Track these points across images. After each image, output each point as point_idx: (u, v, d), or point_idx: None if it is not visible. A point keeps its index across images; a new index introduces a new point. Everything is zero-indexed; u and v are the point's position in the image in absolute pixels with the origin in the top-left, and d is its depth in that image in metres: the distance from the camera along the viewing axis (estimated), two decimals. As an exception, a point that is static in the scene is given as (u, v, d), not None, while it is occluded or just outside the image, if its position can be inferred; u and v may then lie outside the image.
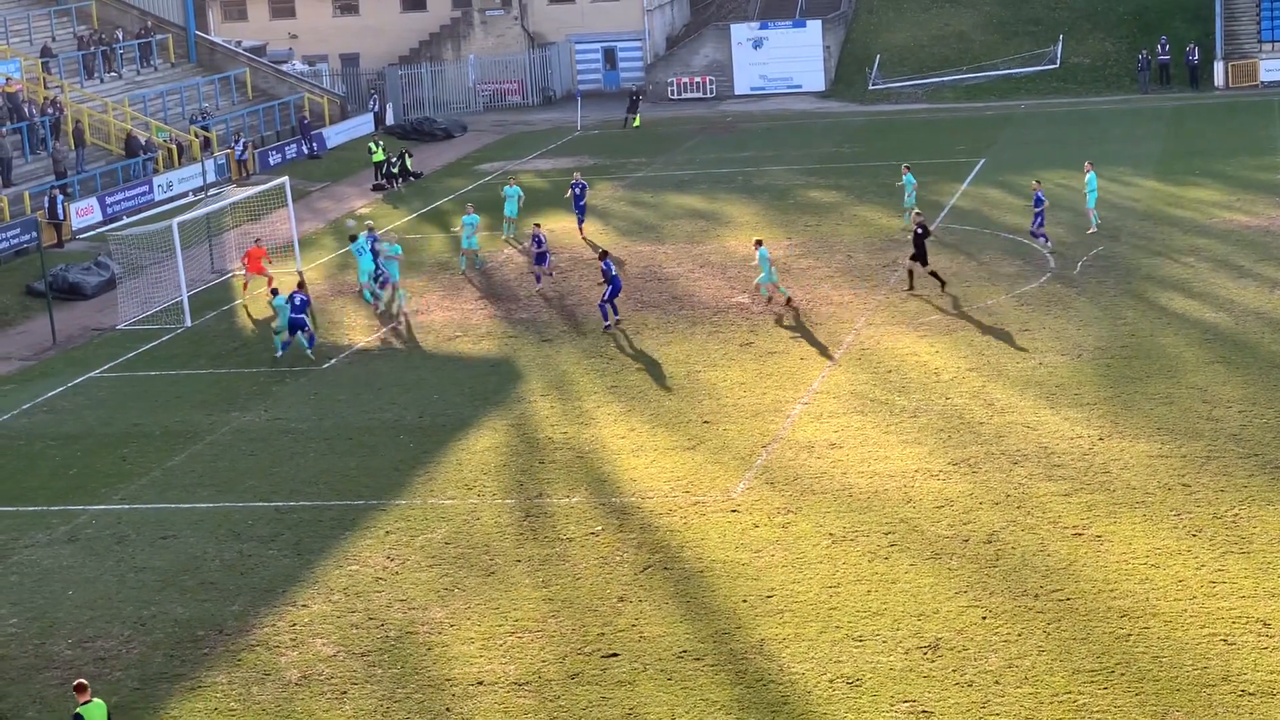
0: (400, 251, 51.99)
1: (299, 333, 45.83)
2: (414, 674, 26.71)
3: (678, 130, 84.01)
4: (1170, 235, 53.21)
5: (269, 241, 59.22)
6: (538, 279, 52.48)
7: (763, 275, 47.23)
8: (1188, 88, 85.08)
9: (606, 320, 46.81)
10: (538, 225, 53.56)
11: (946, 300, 46.94)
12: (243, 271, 54.41)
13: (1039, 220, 51.93)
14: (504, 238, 59.28)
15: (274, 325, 47.39)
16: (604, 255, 47.65)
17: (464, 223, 55.47)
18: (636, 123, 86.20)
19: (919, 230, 47.90)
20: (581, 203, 59.37)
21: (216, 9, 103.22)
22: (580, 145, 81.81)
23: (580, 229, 59.36)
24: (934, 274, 48.23)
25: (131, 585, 31.26)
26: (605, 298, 46.99)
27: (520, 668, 26.58)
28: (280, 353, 46.11)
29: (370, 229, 53.30)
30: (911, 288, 48.33)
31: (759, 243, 48.00)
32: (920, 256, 47.98)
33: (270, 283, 50.42)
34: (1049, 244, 52.12)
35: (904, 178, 57.14)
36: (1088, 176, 54.70)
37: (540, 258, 52.30)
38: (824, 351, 43.06)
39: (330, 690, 26.37)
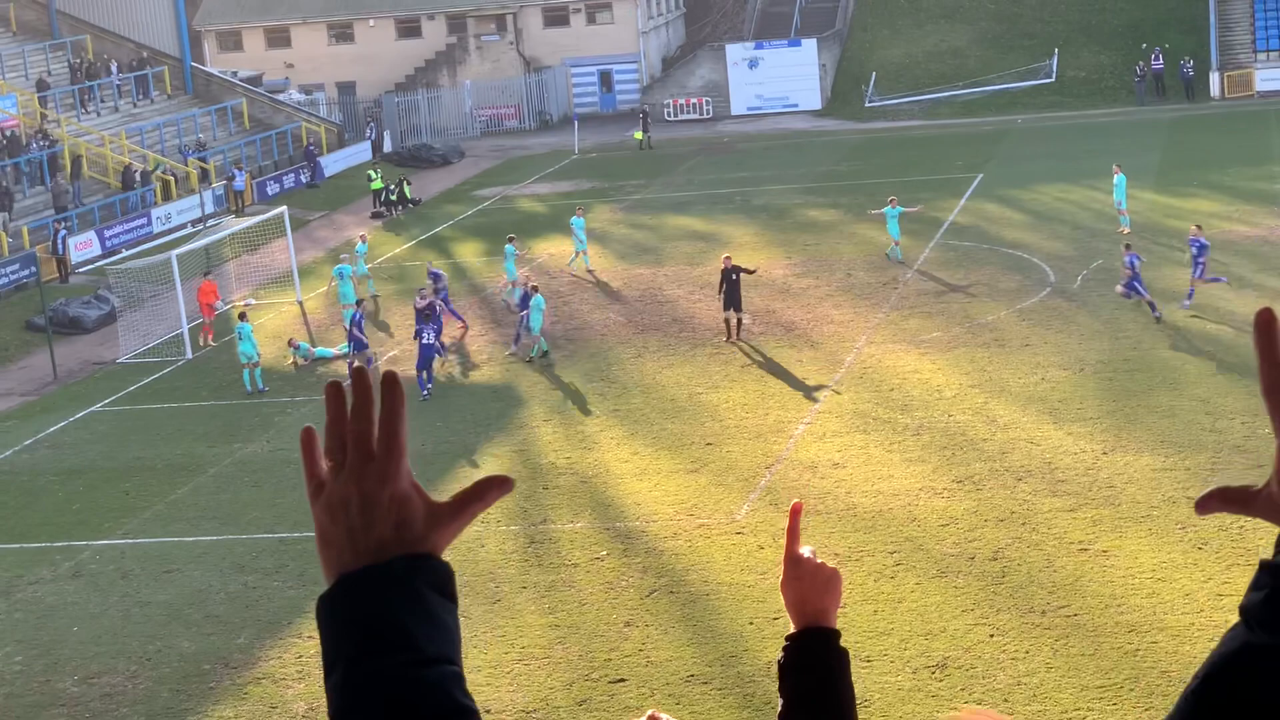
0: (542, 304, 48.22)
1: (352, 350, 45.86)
2: (421, 704, 26.61)
3: (675, 151, 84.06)
4: (1169, 247, 53.18)
5: (269, 271, 59.23)
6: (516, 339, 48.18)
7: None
8: (1184, 100, 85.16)
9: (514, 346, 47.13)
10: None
11: (948, 317, 46.89)
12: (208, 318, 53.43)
13: (1199, 270, 45.88)
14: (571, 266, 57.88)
15: (242, 356, 46.60)
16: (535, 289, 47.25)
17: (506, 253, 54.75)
18: (639, 135, 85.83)
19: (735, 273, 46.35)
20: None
21: (212, 40, 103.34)
22: (578, 169, 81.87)
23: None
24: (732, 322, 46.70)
25: (136, 620, 31.20)
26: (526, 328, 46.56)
27: (528, 695, 26.51)
28: (261, 388, 45.87)
29: (511, 240, 54.35)
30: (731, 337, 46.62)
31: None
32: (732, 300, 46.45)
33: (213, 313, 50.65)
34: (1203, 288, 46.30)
35: (886, 209, 55.56)
36: (1116, 178, 54.98)
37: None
38: (825, 371, 43.04)
39: (337, 722, 26.27)
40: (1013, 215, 60.34)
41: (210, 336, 52.01)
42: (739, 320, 46.47)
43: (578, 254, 57.30)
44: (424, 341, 44.13)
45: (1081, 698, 24.66)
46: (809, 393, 41.29)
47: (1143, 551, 29.74)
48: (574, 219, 57.47)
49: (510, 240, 55.29)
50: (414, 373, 43.62)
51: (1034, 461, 34.87)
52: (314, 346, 49.68)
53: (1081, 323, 45.26)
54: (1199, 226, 47.12)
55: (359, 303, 48.92)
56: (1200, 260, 45.68)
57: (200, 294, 53.04)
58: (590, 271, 56.70)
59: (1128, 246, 47.60)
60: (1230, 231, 54.62)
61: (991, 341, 44.15)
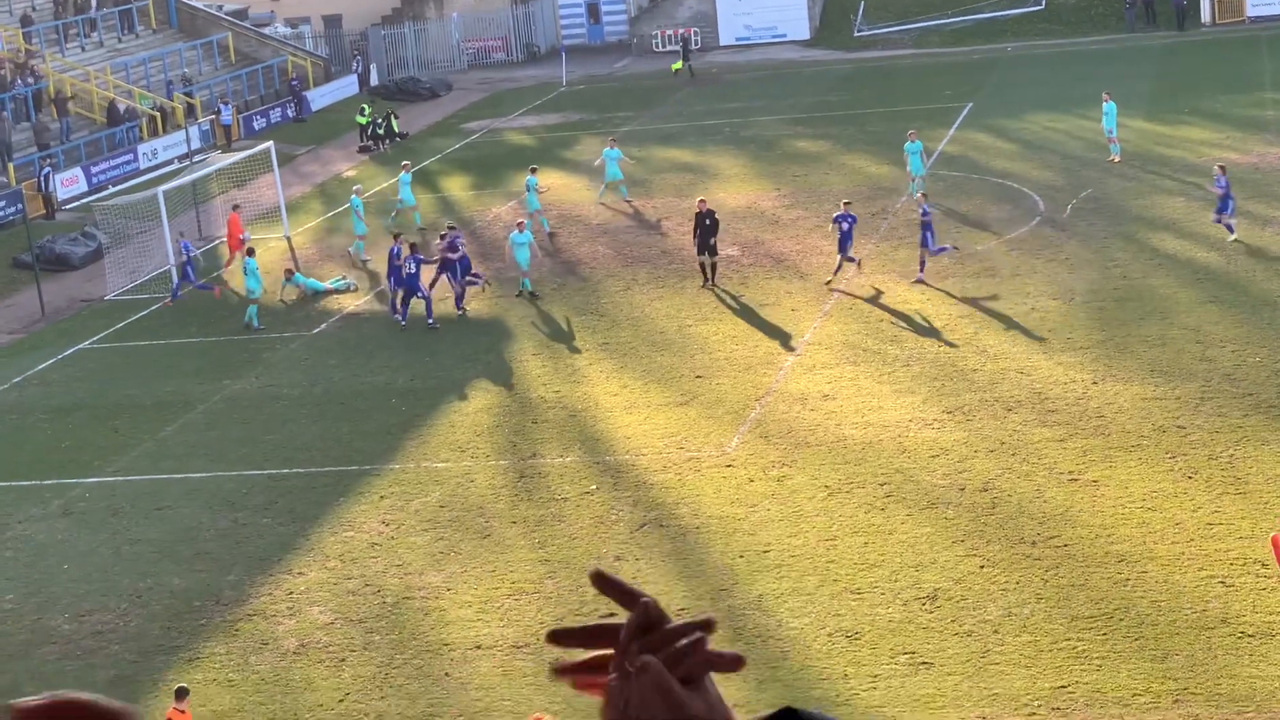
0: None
1: (411, 296, 44.71)
2: (412, 639, 26.67)
3: (664, 84, 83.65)
4: (1160, 175, 53.05)
5: (256, 206, 58.98)
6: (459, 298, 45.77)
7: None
8: (1175, 27, 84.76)
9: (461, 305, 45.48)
10: (452, 227, 48.33)
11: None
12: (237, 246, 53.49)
13: (1227, 207, 45.16)
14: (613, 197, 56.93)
15: (248, 291, 46.65)
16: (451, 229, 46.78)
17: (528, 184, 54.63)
18: (677, 66, 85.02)
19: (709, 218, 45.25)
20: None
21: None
22: (566, 101, 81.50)
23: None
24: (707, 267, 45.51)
25: (127, 557, 31.19)
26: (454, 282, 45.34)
27: (518, 630, 26.54)
28: (257, 325, 45.73)
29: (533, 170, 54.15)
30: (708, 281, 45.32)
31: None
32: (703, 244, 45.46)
33: (242, 245, 50.31)
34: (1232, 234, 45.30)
35: (908, 145, 54.20)
36: (1106, 106, 54.82)
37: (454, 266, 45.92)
38: (815, 302, 42.93)
39: (328, 658, 26.33)
40: (1002, 145, 60.13)
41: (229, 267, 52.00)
42: (713, 264, 45.46)
43: (608, 185, 56.41)
44: (407, 272, 44.01)
45: (1072, 628, 24.70)
46: (798, 325, 41.20)
47: (1133, 481, 29.75)
48: (607, 150, 56.85)
49: (533, 171, 55.33)
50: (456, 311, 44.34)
51: (1024, 392, 34.84)
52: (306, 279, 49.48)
53: (1071, 252, 45.15)
54: (1223, 167, 46.34)
55: (397, 236, 47.46)
56: (1230, 198, 44.77)
57: (230, 226, 52.93)
58: (628, 201, 55.95)
59: (1222, 169, 46.14)
60: (1222, 159, 54.43)
61: (981, 271, 44.04)
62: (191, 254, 50.58)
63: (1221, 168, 46.29)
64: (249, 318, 45.97)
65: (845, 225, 43.99)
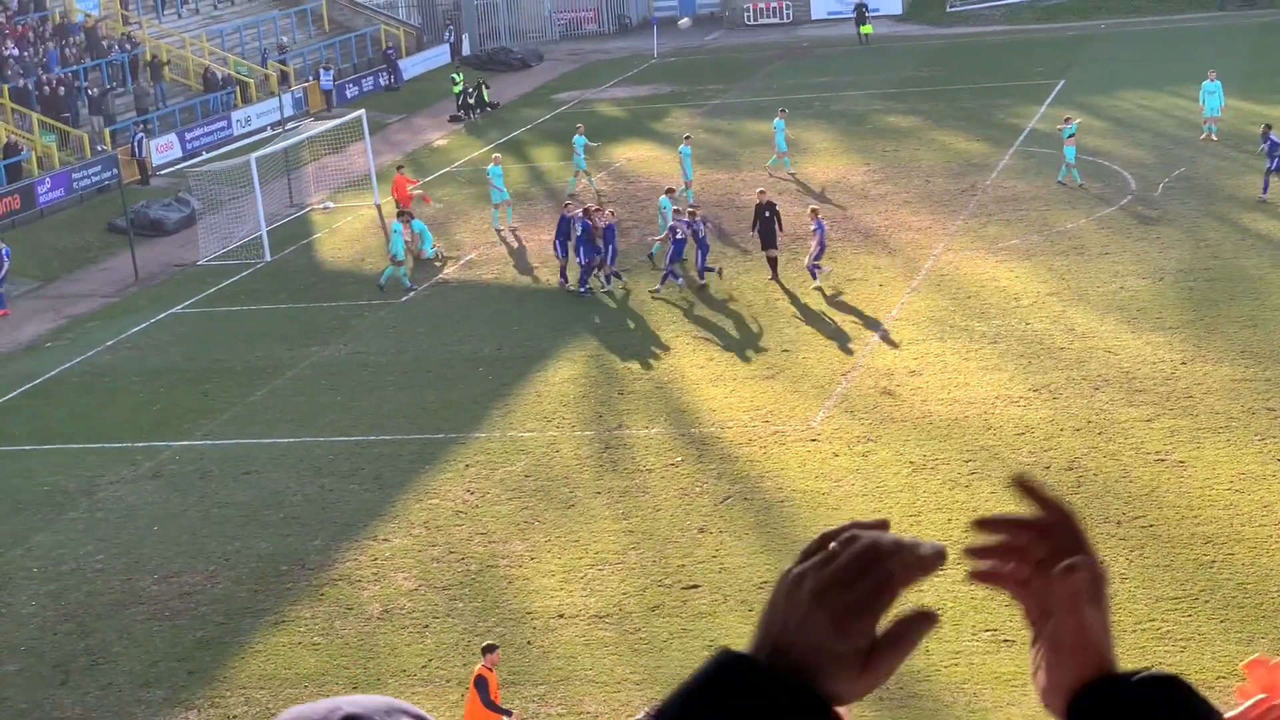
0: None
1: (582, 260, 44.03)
2: (495, 607, 26.85)
3: (755, 56, 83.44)
4: (1253, 155, 52.48)
5: (348, 174, 59.30)
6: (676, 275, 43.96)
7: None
8: (1270, 5, 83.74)
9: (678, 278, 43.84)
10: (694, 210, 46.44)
11: (1027, 225, 46.52)
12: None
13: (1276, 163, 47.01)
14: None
15: (391, 251, 46.50)
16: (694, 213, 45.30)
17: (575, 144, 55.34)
18: (868, 30, 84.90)
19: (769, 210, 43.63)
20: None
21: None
22: (656, 72, 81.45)
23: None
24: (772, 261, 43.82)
25: (215, 520, 31.52)
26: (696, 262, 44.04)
27: (601, 600, 26.66)
28: (402, 285, 45.90)
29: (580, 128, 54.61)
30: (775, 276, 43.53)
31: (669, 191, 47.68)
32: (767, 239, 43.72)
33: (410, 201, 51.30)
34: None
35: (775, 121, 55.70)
36: (1210, 84, 54.52)
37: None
38: (903, 277, 42.81)
39: (412, 624, 26.54)
40: (1094, 122, 59.63)
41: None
42: (775, 258, 43.56)
43: (779, 155, 55.95)
44: (576, 235, 43.75)
45: (1156, 609, 24.60)
46: (886, 299, 41.10)
47: (1220, 462, 29.56)
48: (776, 120, 56.46)
49: (580, 130, 55.93)
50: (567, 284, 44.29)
51: (1111, 370, 34.65)
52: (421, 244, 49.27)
53: (1162, 231, 44.82)
54: (1269, 126, 47.81)
55: (569, 202, 46.88)
56: (1276, 155, 46.64)
57: (395, 189, 53.11)
58: (792, 174, 55.27)
59: (1268, 127, 47.81)
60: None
61: (1070, 249, 43.79)
62: (7, 265, 49.19)
63: (1268, 126, 48.02)
64: (405, 279, 45.87)
65: (815, 228, 43.00)
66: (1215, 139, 53.89)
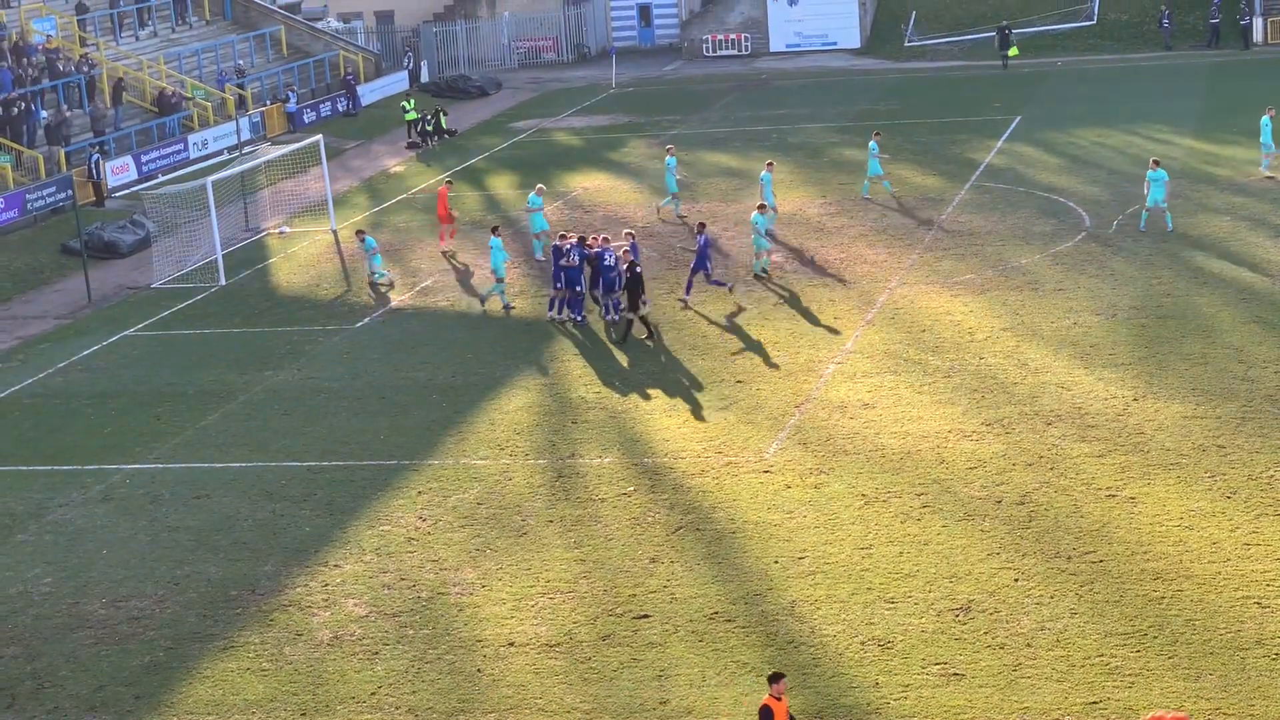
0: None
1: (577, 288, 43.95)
2: (445, 635, 26.76)
3: (712, 88, 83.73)
4: (1207, 194, 52.87)
5: (303, 199, 59.15)
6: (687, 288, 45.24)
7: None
8: (1226, 45, 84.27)
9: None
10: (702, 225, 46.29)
11: (982, 260, 46.71)
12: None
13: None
14: (663, 207, 55.98)
15: (493, 268, 46.01)
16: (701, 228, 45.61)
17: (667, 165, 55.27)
18: (1014, 53, 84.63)
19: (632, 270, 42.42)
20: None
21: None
22: (614, 102, 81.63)
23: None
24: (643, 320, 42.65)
25: (165, 545, 31.36)
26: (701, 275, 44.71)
27: (552, 629, 26.61)
28: (502, 301, 45.81)
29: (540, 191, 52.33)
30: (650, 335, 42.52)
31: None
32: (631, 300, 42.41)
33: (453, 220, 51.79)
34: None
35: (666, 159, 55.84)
36: (1265, 119, 54.74)
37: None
38: (857, 310, 42.92)
39: (362, 650, 26.45)
40: (1049, 159, 60.02)
41: (450, 239, 52.85)
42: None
43: (671, 196, 55.46)
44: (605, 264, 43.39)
45: (1105, 644, 24.66)
46: (840, 332, 41.19)
47: (1171, 499, 29.68)
48: (668, 159, 56.03)
49: (670, 151, 55.92)
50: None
51: (1064, 406, 34.78)
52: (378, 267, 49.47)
53: (1115, 268, 45.05)
54: (1156, 161, 49.38)
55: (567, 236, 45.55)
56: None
57: (440, 202, 52.62)
58: (681, 218, 55.00)
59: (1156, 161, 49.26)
60: (1270, 179, 54.19)
61: (1024, 285, 43.98)
62: None
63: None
64: (494, 295, 45.94)
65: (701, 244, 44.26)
66: (1266, 175, 54.02)
